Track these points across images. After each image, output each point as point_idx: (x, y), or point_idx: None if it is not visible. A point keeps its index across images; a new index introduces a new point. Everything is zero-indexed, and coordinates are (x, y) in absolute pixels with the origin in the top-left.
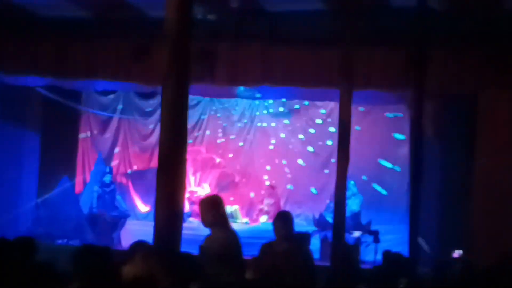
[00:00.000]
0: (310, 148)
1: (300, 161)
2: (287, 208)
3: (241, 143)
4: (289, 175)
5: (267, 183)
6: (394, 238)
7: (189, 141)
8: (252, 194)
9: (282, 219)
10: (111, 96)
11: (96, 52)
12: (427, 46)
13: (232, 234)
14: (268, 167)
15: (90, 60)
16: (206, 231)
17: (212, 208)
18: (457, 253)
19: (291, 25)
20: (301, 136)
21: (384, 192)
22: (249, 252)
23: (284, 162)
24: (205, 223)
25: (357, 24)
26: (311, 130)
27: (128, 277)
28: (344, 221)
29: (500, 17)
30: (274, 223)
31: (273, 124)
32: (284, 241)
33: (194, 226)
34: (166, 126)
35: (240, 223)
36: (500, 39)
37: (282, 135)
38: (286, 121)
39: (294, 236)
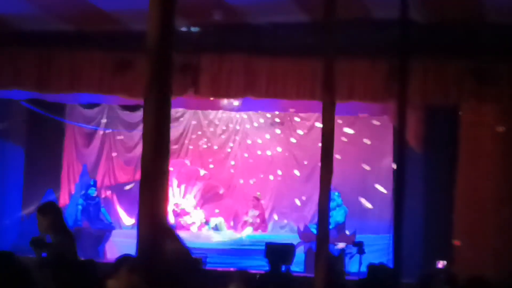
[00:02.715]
0: (295, 160)
1: (284, 173)
2: (272, 219)
3: (225, 155)
4: (273, 187)
5: (255, 194)
6: (379, 249)
7: (174, 153)
8: (236, 206)
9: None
10: (96, 109)
11: (80, 65)
12: (409, 58)
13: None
14: (252, 179)
15: (73, 73)
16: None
17: (50, 215)
18: (441, 264)
19: (274, 37)
20: (285, 148)
21: (369, 205)
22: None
23: (268, 173)
24: (43, 229)
25: (339, 36)
26: (295, 142)
27: None
28: (328, 233)
29: (481, 30)
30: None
31: (257, 136)
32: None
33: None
34: (148, 139)
35: (225, 234)
36: (482, 51)
37: (266, 146)
38: (270, 133)
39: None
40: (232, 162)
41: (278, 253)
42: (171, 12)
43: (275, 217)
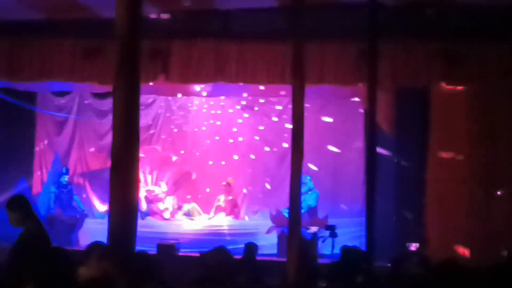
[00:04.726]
0: (267, 145)
1: (257, 158)
2: (245, 205)
3: (197, 141)
4: (246, 172)
5: (225, 180)
6: (351, 232)
7: (145, 139)
8: (208, 191)
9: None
10: (67, 97)
11: (50, 53)
12: (379, 41)
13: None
14: (224, 164)
15: (44, 62)
16: (166, 229)
17: (19, 209)
18: (413, 246)
19: (244, 22)
20: (257, 133)
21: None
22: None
23: (240, 158)
24: (15, 223)
25: (308, 20)
26: (267, 127)
27: (84, 278)
28: (300, 217)
29: (451, 11)
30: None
31: (228, 121)
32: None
33: (152, 225)
34: (118, 125)
35: (198, 220)
36: (451, 33)
37: (238, 131)
38: (241, 118)
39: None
40: (204, 148)
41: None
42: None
43: (248, 202)
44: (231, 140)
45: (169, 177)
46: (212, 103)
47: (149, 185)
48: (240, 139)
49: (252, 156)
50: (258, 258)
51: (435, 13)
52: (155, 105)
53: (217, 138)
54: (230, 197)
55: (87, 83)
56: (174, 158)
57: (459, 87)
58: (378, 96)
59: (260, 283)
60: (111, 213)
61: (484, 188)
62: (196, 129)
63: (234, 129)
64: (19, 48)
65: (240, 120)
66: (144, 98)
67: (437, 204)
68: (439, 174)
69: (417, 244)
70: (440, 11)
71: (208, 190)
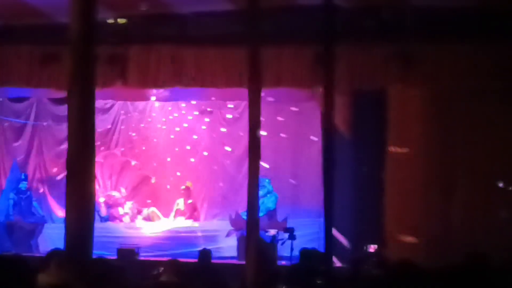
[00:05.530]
0: (225, 148)
1: (216, 161)
2: (204, 208)
3: (156, 145)
4: (204, 175)
5: (184, 184)
6: (311, 233)
7: (104, 144)
8: (168, 196)
9: None
10: (24, 102)
11: (7, 59)
12: (335, 43)
13: None
14: (184, 168)
15: (0, 68)
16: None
17: None
18: (372, 248)
19: (200, 26)
20: (215, 136)
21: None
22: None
23: (200, 162)
24: None
25: (264, 23)
26: (225, 130)
27: (43, 285)
28: (258, 220)
29: (407, 14)
30: None
31: (186, 125)
32: None
33: (112, 229)
34: (73, 131)
35: (157, 224)
36: (407, 35)
37: (196, 136)
38: (199, 122)
39: None
40: (163, 152)
41: None
42: (93, 5)
43: (207, 205)
44: (188, 147)
45: (128, 182)
46: (170, 108)
47: (109, 190)
48: (199, 143)
49: (211, 160)
50: (219, 261)
51: (391, 16)
52: (114, 110)
53: (176, 142)
54: (190, 201)
55: (44, 88)
56: (133, 163)
57: (416, 89)
58: (336, 99)
59: (220, 286)
60: (67, 219)
61: (442, 189)
62: (155, 134)
63: (194, 136)
64: None
65: (198, 125)
66: (102, 103)
67: (395, 205)
68: (397, 175)
69: (376, 246)
70: (396, 13)
71: (168, 195)
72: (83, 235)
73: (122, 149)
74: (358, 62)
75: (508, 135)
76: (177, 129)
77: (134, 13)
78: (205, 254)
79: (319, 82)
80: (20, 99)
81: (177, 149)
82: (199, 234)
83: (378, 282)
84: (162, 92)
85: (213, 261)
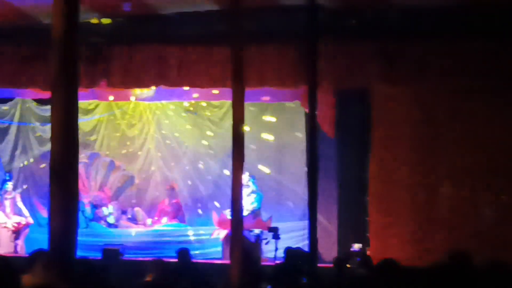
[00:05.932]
0: (209, 148)
1: (199, 161)
2: (188, 208)
3: (140, 145)
4: (188, 175)
5: (170, 184)
6: (296, 233)
7: (88, 145)
8: (152, 195)
9: None
10: (9, 103)
11: None
12: (318, 43)
13: None
14: (167, 168)
15: None
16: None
17: None
18: (356, 247)
19: (184, 26)
20: (199, 136)
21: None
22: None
23: (183, 162)
24: None
25: (247, 23)
26: (210, 130)
27: (28, 286)
28: (242, 219)
29: (389, 12)
30: None
31: (171, 125)
32: None
33: (97, 230)
34: (56, 132)
35: (142, 224)
36: (390, 34)
37: (181, 135)
38: (184, 122)
39: None
40: (147, 152)
41: None
42: (75, 6)
43: (192, 205)
44: (174, 145)
45: (113, 182)
46: (154, 108)
47: (93, 191)
48: (184, 142)
49: (195, 160)
50: (204, 261)
51: (373, 14)
52: (98, 111)
53: (160, 144)
54: (173, 201)
55: (29, 89)
56: (117, 163)
57: (399, 88)
58: (319, 98)
59: (204, 286)
60: (51, 220)
61: (426, 188)
62: (139, 134)
63: (177, 134)
64: None
65: (182, 124)
66: (86, 104)
67: (379, 205)
68: (381, 174)
69: (360, 245)
70: (378, 12)
71: (152, 194)
72: (66, 235)
73: (107, 151)
74: (341, 60)
75: (492, 133)
76: (163, 126)
77: (118, 14)
78: (183, 254)
79: (303, 81)
80: (4, 100)
81: (162, 148)
82: (190, 235)
83: (362, 281)
84: (146, 92)
85: (199, 260)
